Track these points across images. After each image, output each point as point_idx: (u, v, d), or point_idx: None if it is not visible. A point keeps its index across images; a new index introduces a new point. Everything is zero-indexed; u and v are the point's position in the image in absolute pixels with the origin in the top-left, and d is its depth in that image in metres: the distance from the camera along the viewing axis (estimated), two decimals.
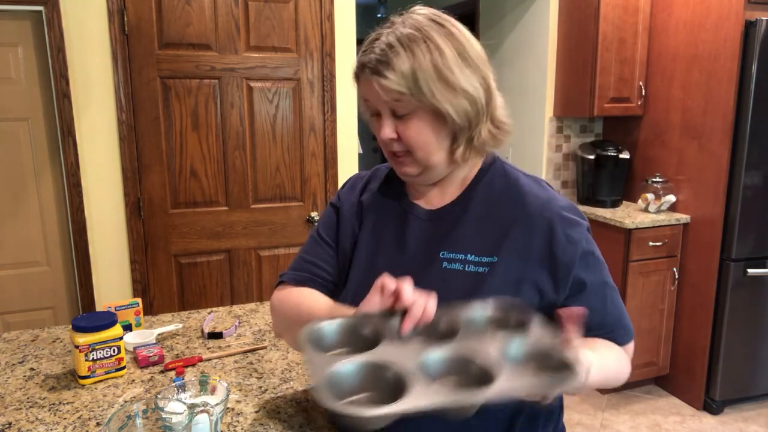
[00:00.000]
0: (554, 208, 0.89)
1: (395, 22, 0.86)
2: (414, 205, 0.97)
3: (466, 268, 0.88)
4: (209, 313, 1.59)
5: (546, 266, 0.88)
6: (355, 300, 0.86)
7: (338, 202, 1.07)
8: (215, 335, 1.42)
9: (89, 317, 1.20)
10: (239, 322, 1.52)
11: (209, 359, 1.30)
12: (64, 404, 1.10)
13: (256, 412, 1.07)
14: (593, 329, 0.90)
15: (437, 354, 0.74)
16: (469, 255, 0.89)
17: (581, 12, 3.03)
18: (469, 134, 0.88)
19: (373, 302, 0.79)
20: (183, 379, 1.15)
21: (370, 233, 0.99)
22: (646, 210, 2.97)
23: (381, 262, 0.95)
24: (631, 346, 0.96)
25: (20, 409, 1.08)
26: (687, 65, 2.81)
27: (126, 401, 1.10)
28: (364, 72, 0.86)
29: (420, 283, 0.81)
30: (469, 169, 0.95)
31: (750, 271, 2.68)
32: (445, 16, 0.88)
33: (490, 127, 0.89)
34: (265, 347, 1.36)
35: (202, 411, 0.86)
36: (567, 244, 0.88)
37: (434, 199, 0.96)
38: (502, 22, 3.65)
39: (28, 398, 1.12)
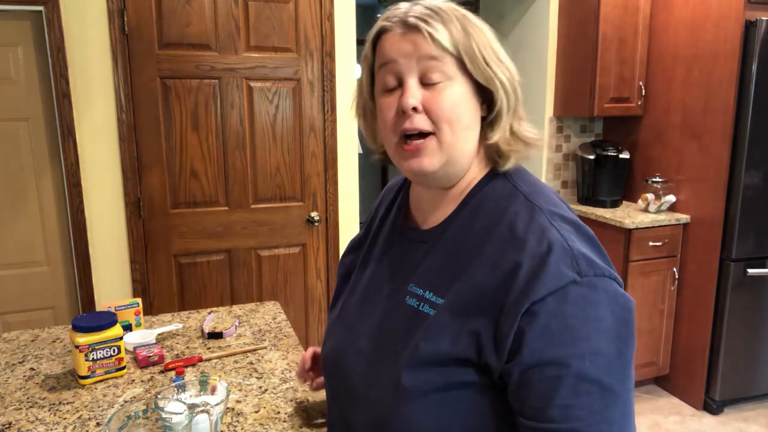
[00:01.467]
0: (533, 249, 0.67)
1: (416, 1, 0.75)
2: (407, 225, 0.85)
3: (421, 307, 0.74)
4: (209, 313, 1.59)
5: (492, 317, 0.67)
6: (332, 312, 0.91)
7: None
8: (215, 335, 1.42)
9: (89, 317, 1.20)
10: (239, 322, 1.52)
11: (209, 359, 1.30)
12: (64, 404, 1.10)
13: (256, 412, 1.07)
14: (537, 428, 0.64)
15: None
16: (427, 293, 0.74)
17: (581, 12, 3.03)
18: (510, 122, 0.75)
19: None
20: (183, 379, 1.15)
21: (368, 249, 0.92)
22: (646, 210, 2.97)
23: (364, 281, 0.88)
24: None
25: (20, 409, 1.08)
26: (687, 65, 2.81)
27: (126, 401, 1.10)
28: (403, 24, 0.72)
29: (385, 316, 0.79)
30: (467, 182, 0.79)
31: (750, 271, 2.68)
32: None
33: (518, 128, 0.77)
34: (265, 347, 1.36)
35: (202, 411, 0.86)
36: (522, 294, 0.65)
37: (433, 216, 0.81)
38: (502, 22, 3.65)
39: (28, 398, 1.12)
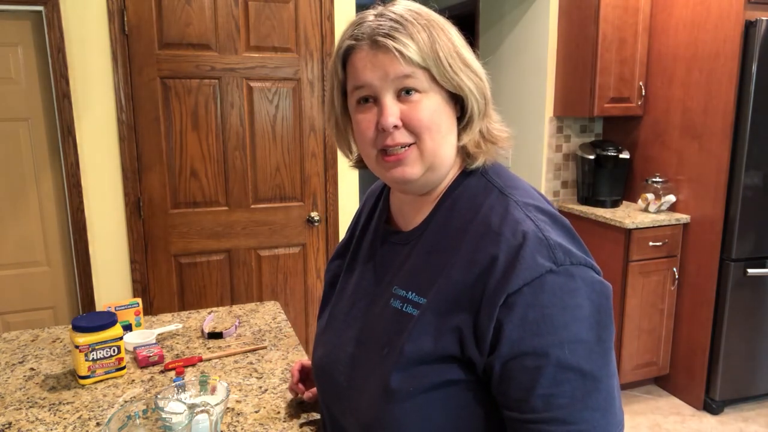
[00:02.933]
0: (508, 242, 0.67)
1: (384, 10, 0.74)
2: (388, 228, 0.86)
3: (404, 308, 0.74)
4: (209, 313, 1.59)
5: (471, 311, 0.67)
6: (320, 320, 0.93)
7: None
8: (215, 335, 1.42)
9: (89, 317, 1.20)
10: (239, 322, 1.52)
11: (209, 359, 1.30)
12: (64, 404, 1.10)
13: (256, 412, 1.07)
14: (520, 419, 0.65)
15: None
16: (410, 293, 0.75)
17: (581, 12, 3.03)
18: (480, 124, 0.77)
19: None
20: (183, 379, 1.15)
21: (353, 253, 0.92)
22: (646, 210, 2.97)
23: (350, 286, 0.89)
24: None
25: (20, 409, 1.08)
26: (687, 65, 2.81)
27: (126, 401, 1.10)
28: (372, 42, 0.71)
29: (370, 319, 0.80)
30: (444, 184, 0.80)
31: (750, 271, 2.68)
32: None
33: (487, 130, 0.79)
34: (265, 347, 1.36)
35: (202, 411, 0.86)
36: (498, 286, 0.65)
37: (413, 219, 0.82)
38: (501, 22, 3.65)
39: (28, 398, 1.12)
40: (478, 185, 0.77)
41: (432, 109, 0.73)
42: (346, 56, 0.75)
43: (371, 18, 0.74)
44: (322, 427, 0.94)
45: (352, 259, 0.91)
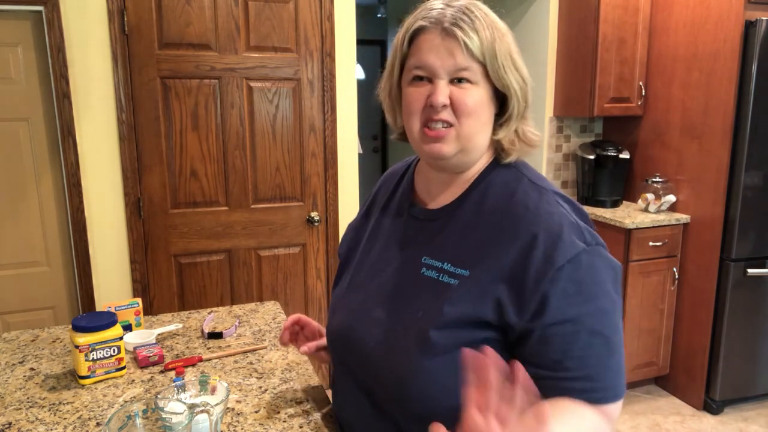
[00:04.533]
0: (546, 222, 0.78)
1: (453, 2, 0.82)
2: (414, 205, 0.94)
3: (440, 278, 0.83)
4: (209, 313, 1.59)
5: (513, 283, 0.76)
6: (337, 289, 1.00)
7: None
8: (215, 335, 1.42)
9: (89, 317, 1.20)
10: (239, 322, 1.53)
11: (209, 359, 1.30)
12: (64, 404, 1.10)
13: (256, 412, 1.07)
14: (553, 377, 0.75)
15: None
16: (446, 264, 0.83)
17: (581, 12, 3.03)
18: (517, 125, 0.86)
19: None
20: (183, 379, 1.15)
21: (374, 228, 0.99)
22: (646, 210, 2.97)
23: (372, 257, 0.96)
24: (613, 407, 0.76)
25: (20, 409, 1.08)
26: (687, 65, 2.81)
27: (126, 401, 1.10)
28: (441, 28, 0.79)
29: (399, 286, 0.87)
30: (476, 168, 0.89)
31: (750, 271, 2.68)
32: None
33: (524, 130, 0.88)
34: (265, 347, 1.37)
35: (202, 411, 0.86)
36: (544, 262, 0.75)
37: (441, 198, 0.90)
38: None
39: (28, 398, 1.12)
40: (509, 174, 0.87)
41: (477, 100, 0.81)
42: (414, 35, 0.83)
43: (441, 6, 0.82)
44: (337, 400, 0.99)
45: (374, 232, 0.98)
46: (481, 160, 0.88)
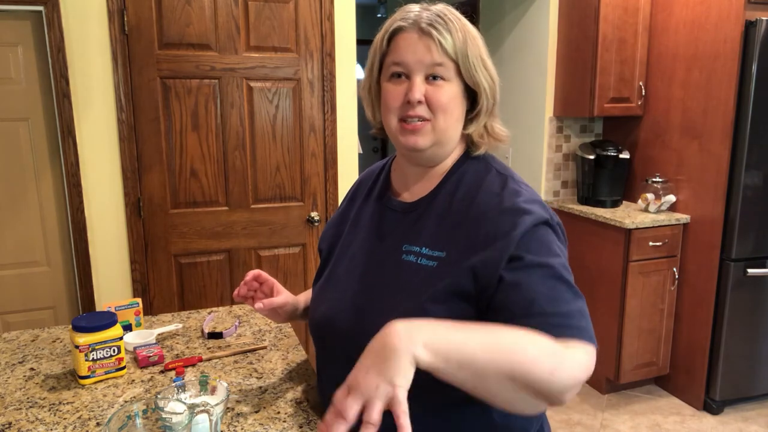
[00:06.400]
0: (512, 199, 0.87)
1: (429, 6, 0.91)
2: (392, 199, 1.01)
3: (419, 261, 0.90)
4: (209, 313, 1.59)
5: (486, 248, 0.84)
6: (319, 278, 1.06)
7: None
8: (215, 335, 1.42)
9: (89, 317, 1.20)
10: (239, 322, 1.53)
11: (209, 359, 1.30)
12: (64, 404, 1.10)
13: (256, 412, 1.07)
14: (527, 315, 0.79)
15: None
16: (423, 248, 0.90)
17: (581, 12, 3.03)
18: (486, 120, 0.94)
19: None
20: (183, 379, 1.15)
21: (353, 222, 1.05)
22: (646, 210, 2.97)
23: (353, 249, 1.01)
24: (578, 346, 0.76)
25: (20, 409, 1.08)
26: (687, 65, 2.82)
27: (126, 401, 1.10)
28: (418, 28, 0.87)
29: (380, 274, 0.94)
30: (448, 162, 0.97)
31: (750, 271, 2.68)
32: None
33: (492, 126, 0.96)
34: (265, 347, 1.37)
35: (202, 411, 0.86)
36: (512, 226, 0.84)
37: (417, 190, 0.98)
38: (502, 22, 3.65)
39: (28, 398, 1.12)
40: (479, 165, 0.96)
41: (450, 96, 0.89)
42: (393, 34, 0.91)
43: (418, 9, 0.90)
44: (323, 390, 1.01)
45: (353, 226, 1.04)
46: (453, 154, 0.96)
